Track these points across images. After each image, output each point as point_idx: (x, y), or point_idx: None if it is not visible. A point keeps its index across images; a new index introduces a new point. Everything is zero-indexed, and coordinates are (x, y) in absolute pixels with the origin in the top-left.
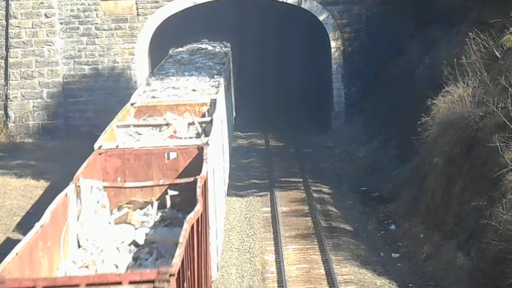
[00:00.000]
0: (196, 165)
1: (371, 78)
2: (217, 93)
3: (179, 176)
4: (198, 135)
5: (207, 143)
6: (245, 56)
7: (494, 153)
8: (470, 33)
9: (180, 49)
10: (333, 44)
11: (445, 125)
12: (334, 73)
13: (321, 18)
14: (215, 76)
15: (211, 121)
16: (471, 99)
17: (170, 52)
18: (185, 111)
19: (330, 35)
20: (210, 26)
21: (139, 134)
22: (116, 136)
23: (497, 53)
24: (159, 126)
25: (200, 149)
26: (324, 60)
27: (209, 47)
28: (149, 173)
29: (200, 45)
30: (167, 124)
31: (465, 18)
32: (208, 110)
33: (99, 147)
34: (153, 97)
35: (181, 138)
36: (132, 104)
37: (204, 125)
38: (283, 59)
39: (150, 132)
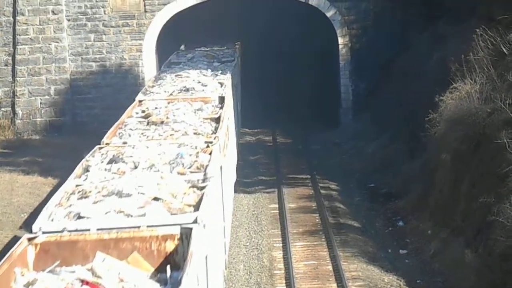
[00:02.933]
0: None
1: (378, 74)
2: (199, 203)
3: None
4: None
5: None
6: (253, 53)
7: (502, 150)
8: (477, 30)
9: (155, 89)
10: (340, 40)
11: (453, 121)
12: (341, 70)
13: (328, 14)
14: (197, 163)
15: None
16: (478, 95)
17: (139, 95)
18: (132, 252)
19: (338, 32)
20: (218, 22)
21: None
22: None
23: (504, 49)
24: None
25: None
26: (331, 57)
27: (198, 86)
28: None
29: (186, 82)
30: None
31: (473, 14)
32: (177, 249)
33: None
34: (79, 216)
35: None
36: (30, 240)
37: None
38: (291, 56)
39: None
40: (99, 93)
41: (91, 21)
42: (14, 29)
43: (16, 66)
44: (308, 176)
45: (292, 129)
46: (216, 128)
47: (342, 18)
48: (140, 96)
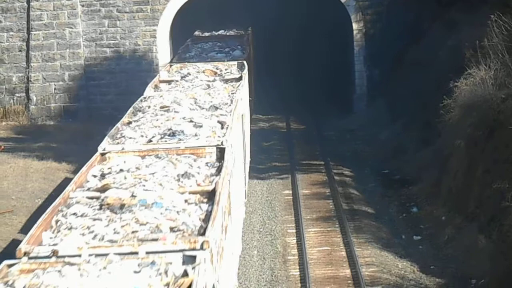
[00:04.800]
0: None
1: (393, 60)
2: None
3: None
4: None
5: None
6: (267, 39)
7: None
8: (492, 16)
9: (129, 131)
10: (355, 26)
11: (467, 107)
12: (356, 56)
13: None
14: None
15: None
16: (493, 81)
17: (104, 142)
18: None
19: (352, 17)
20: (231, 8)
21: None
22: None
23: None
24: None
25: None
26: (346, 43)
27: (189, 127)
28: None
29: (174, 120)
30: None
31: (486, 1)
32: None
33: None
34: None
35: None
36: None
37: None
38: (305, 41)
39: None
40: (113, 79)
41: (105, 6)
42: (28, 15)
43: (30, 51)
44: (322, 162)
45: (306, 115)
46: (207, 215)
47: (357, 4)
48: (104, 145)
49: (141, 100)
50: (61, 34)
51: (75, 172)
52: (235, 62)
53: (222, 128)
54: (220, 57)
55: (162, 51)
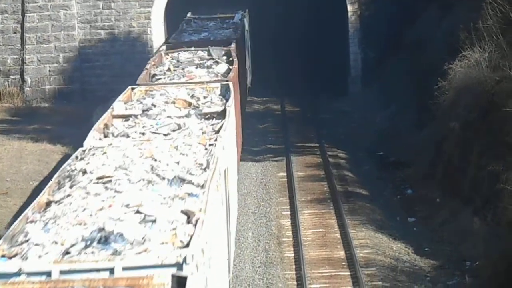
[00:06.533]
0: None
1: (388, 42)
2: None
3: None
4: None
5: None
6: (262, 21)
7: (511, 118)
8: None
9: (38, 228)
10: (349, 7)
11: (462, 89)
12: (351, 38)
13: None
14: None
15: None
16: (487, 63)
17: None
18: None
19: None
20: None
21: None
22: None
23: None
24: None
25: None
26: (341, 25)
27: (134, 226)
28: None
29: (110, 209)
30: None
31: None
32: None
33: None
34: None
35: None
36: None
37: None
38: (300, 24)
39: None
40: (108, 61)
41: None
42: None
43: (25, 33)
44: (317, 145)
45: (301, 97)
46: None
47: None
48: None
49: (76, 157)
50: (55, 16)
51: (70, 154)
52: (218, 85)
53: (188, 221)
54: (200, 74)
55: (157, 33)
